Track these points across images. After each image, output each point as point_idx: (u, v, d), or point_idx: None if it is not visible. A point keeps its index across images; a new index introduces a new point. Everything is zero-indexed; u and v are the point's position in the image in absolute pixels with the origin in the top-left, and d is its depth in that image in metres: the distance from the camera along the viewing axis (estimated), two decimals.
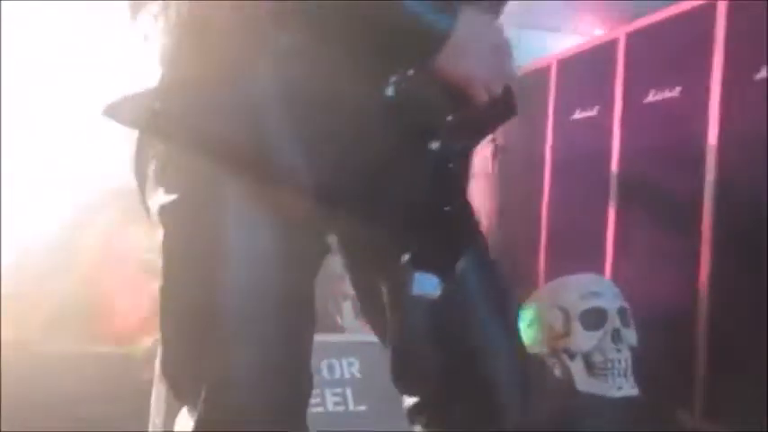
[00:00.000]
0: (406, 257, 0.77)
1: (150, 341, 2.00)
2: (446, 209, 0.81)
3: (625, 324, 1.81)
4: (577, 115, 2.63)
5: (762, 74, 1.88)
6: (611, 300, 1.83)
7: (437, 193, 0.80)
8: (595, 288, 1.87)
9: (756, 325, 1.81)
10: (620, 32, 2.44)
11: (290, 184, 0.75)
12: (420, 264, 0.77)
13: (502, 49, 0.81)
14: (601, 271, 2.35)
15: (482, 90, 0.79)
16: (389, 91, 0.76)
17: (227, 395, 0.73)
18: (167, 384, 0.82)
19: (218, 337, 0.74)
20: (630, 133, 2.37)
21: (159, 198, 0.77)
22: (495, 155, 2.91)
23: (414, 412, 0.90)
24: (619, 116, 2.41)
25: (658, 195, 2.23)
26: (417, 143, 0.78)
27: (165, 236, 0.77)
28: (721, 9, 2.02)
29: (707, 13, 2.06)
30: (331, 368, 1.62)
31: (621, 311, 1.83)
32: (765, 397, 1.70)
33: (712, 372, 1.94)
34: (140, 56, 0.80)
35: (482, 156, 2.88)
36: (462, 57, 0.76)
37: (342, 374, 1.62)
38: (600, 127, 2.48)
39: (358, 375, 1.62)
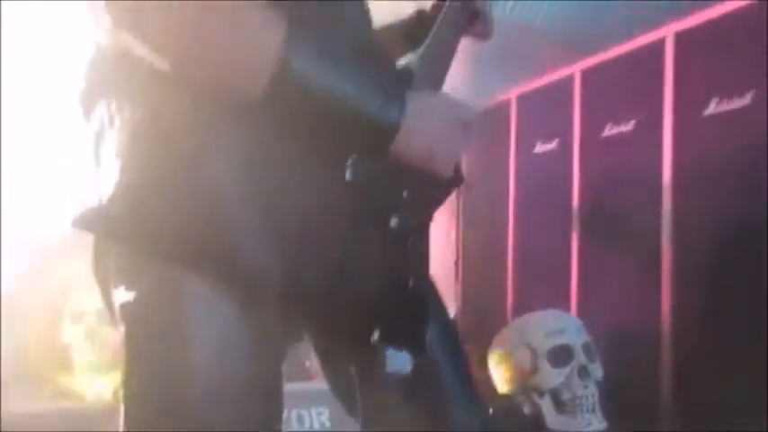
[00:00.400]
0: (375, 336, 0.78)
1: (111, 394, 1.97)
2: (410, 284, 0.82)
3: (591, 359, 1.83)
4: (538, 149, 2.69)
5: (710, 110, 1.95)
6: (575, 335, 1.86)
7: (401, 269, 0.81)
8: (560, 325, 1.90)
9: (719, 353, 1.85)
10: (576, 69, 2.50)
11: (256, 279, 0.74)
12: (391, 341, 0.78)
13: (454, 125, 0.83)
14: (567, 302, 2.38)
15: (442, 167, 0.82)
16: (348, 175, 0.77)
17: None
18: None
19: None
20: (590, 166, 2.43)
21: (119, 296, 0.77)
22: (459, 193, 2.94)
23: None
24: (578, 149, 2.47)
25: (620, 227, 2.28)
26: (377, 222, 0.80)
27: (127, 334, 0.76)
28: (669, 46, 2.10)
29: (656, 49, 2.13)
30: (300, 419, 1.62)
31: (586, 347, 1.85)
32: (729, 423, 1.74)
33: (677, 400, 1.97)
34: (94, 156, 0.79)
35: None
36: (416, 141, 0.79)
37: (311, 425, 1.62)
38: (560, 160, 2.53)
39: (328, 424, 1.62)
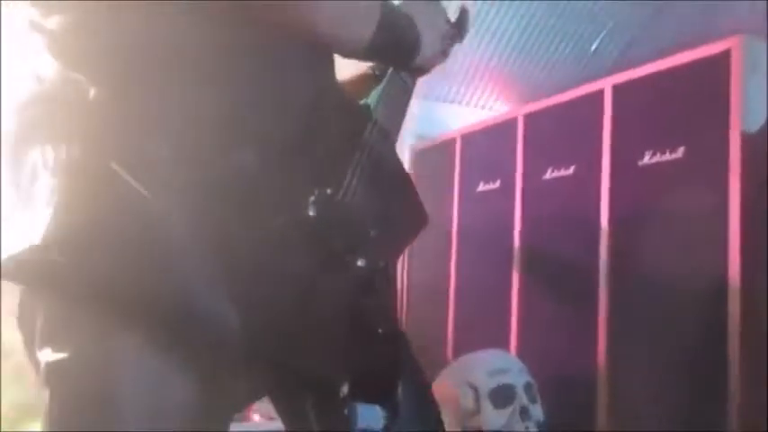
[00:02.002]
0: (344, 390, 0.73)
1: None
2: (379, 331, 0.78)
3: (532, 400, 1.88)
4: (482, 188, 2.75)
5: (645, 160, 2.05)
6: (517, 375, 1.91)
7: (369, 315, 0.77)
8: (502, 365, 1.94)
9: (654, 395, 1.93)
10: (519, 112, 2.59)
11: (211, 333, 0.68)
12: (361, 395, 0.73)
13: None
14: (506, 342, 2.43)
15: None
16: (310, 211, 0.73)
17: None
18: None
19: None
20: (531, 208, 2.50)
21: (45, 356, 0.70)
22: None
23: None
24: (520, 191, 2.54)
25: (558, 269, 2.36)
26: (343, 262, 0.76)
27: (51, 398, 0.69)
28: (607, 97, 2.20)
29: (595, 99, 2.24)
30: None
31: (528, 387, 1.90)
32: None
33: None
34: (24, 201, 0.72)
35: None
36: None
37: None
38: (503, 200, 2.60)
39: None
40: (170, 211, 0.68)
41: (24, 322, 0.74)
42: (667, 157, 1.98)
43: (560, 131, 2.41)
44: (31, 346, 0.73)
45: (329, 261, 0.74)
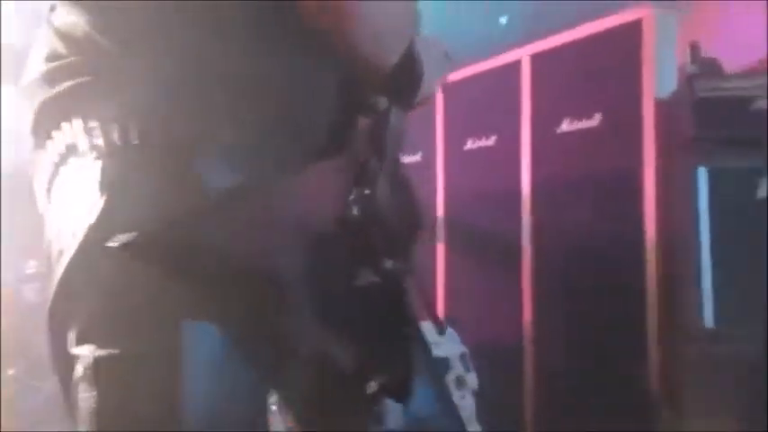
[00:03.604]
0: (373, 387, 0.74)
1: None
2: (404, 331, 0.80)
3: (466, 369, 1.90)
4: (404, 159, 2.74)
5: (563, 128, 2.09)
6: (452, 347, 1.92)
7: (396, 315, 0.79)
8: (437, 336, 1.95)
9: (576, 356, 2.00)
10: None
11: (286, 328, 0.71)
12: (387, 393, 0.75)
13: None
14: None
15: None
16: (354, 210, 0.76)
17: None
18: None
19: None
20: (453, 178, 2.52)
21: (89, 354, 0.68)
22: None
23: None
24: (441, 162, 2.55)
25: (482, 238, 2.39)
26: (377, 262, 0.78)
27: (100, 394, 0.68)
28: (525, 66, 2.22)
29: (514, 68, 2.25)
30: None
31: (462, 357, 1.92)
32: (590, 422, 1.88)
33: (539, 405, 2.10)
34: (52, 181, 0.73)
35: None
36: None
37: None
38: (424, 172, 2.60)
39: None
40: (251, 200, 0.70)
41: (57, 315, 0.73)
42: (584, 124, 2.03)
43: (480, 102, 2.42)
44: (60, 339, 0.72)
45: (366, 260, 0.78)
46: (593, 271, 1.97)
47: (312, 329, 0.73)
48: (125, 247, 0.66)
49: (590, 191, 2.00)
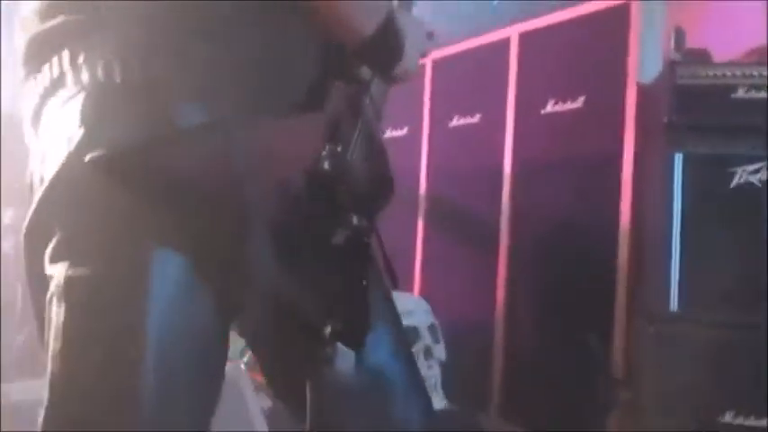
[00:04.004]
0: (327, 331, 0.78)
1: None
2: (364, 282, 0.83)
3: (435, 340, 1.93)
4: (389, 134, 2.74)
5: (547, 109, 2.10)
6: (422, 317, 1.95)
7: (358, 267, 0.83)
8: (408, 306, 1.98)
9: (546, 336, 2.03)
10: (426, 59, 2.57)
11: (246, 257, 0.73)
12: (340, 338, 0.79)
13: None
14: (410, 284, 2.48)
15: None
16: (325, 164, 0.79)
17: None
18: None
19: (130, 421, 0.70)
20: (437, 154, 2.53)
21: (62, 272, 0.71)
22: None
23: None
24: (426, 137, 2.56)
25: (462, 214, 2.40)
26: (344, 217, 0.82)
27: (68, 311, 0.71)
28: (514, 45, 2.22)
29: (502, 47, 2.26)
30: None
31: (432, 328, 1.95)
32: (554, 399, 1.92)
33: (507, 378, 2.13)
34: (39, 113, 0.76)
35: None
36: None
37: None
38: (409, 147, 2.61)
39: None
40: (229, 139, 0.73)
41: (33, 239, 0.75)
42: (568, 105, 2.04)
43: (467, 79, 2.42)
44: (36, 264, 0.74)
45: (333, 214, 0.81)
46: (568, 250, 1.99)
47: (272, 268, 0.76)
48: (102, 160, 0.69)
49: (569, 172, 2.02)
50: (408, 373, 0.93)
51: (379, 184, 0.90)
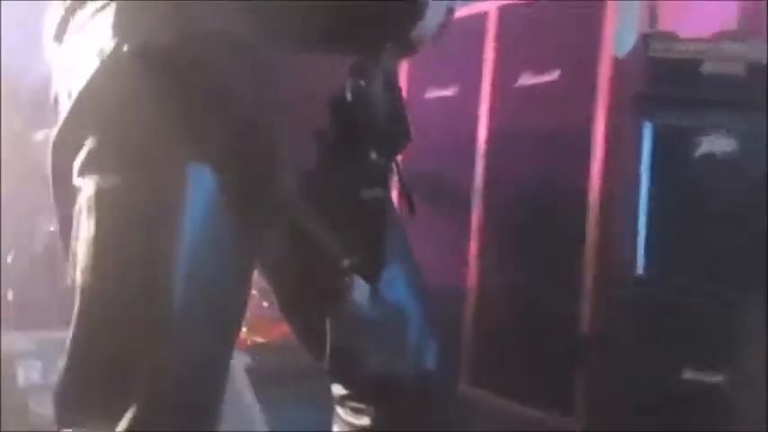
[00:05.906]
0: (346, 263, 0.80)
1: None
2: (383, 217, 0.87)
3: None
4: None
5: (522, 82, 2.13)
6: None
7: (378, 201, 0.86)
8: None
9: (516, 303, 2.08)
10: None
11: (273, 175, 0.73)
12: (357, 270, 0.82)
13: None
14: None
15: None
16: (348, 96, 0.80)
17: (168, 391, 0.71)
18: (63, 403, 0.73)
19: (163, 335, 0.70)
20: (412, 125, 2.54)
21: (92, 185, 0.70)
22: None
23: (343, 400, 0.94)
24: None
25: (435, 185, 2.43)
26: (363, 150, 0.83)
27: (98, 224, 0.70)
28: (492, 18, 2.25)
29: (480, 20, 2.28)
30: None
31: None
32: (522, 365, 1.97)
33: (477, 345, 2.18)
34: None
35: None
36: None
37: None
38: None
39: None
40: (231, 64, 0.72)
41: (60, 159, 0.74)
42: (544, 78, 2.07)
43: (444, 51, 2.44)
44: (60, 180, 0.74)
45: (354, 146, 0.82)
46: (539, 218, 2.04)
47: (296, 200, 0.77)
48: (142, 52, 0.68)
49: (543, 143, 2.06)
50: (424, 314, 0.95)
51: (397, 124, 0.92)
